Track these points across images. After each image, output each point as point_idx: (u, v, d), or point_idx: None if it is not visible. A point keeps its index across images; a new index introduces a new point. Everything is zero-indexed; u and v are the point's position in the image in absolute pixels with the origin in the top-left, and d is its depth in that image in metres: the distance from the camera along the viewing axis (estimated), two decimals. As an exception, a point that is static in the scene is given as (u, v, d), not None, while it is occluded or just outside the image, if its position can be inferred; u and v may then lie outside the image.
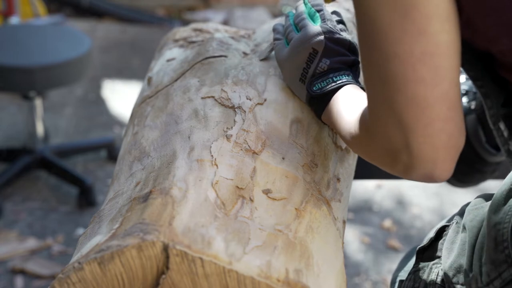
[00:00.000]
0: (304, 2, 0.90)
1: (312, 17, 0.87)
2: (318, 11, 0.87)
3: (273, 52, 0.94)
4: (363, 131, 0.69)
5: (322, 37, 0.83)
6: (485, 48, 0.71)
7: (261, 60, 0.93)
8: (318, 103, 0.82)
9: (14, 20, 3.38)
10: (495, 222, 0.68)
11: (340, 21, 0.89)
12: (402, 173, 0.66)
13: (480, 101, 1.09)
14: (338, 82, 0.80)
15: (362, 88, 0.80)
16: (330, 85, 0.80)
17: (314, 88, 0.82)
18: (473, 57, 0.76)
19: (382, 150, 0.66)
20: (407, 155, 0.63)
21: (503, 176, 1.17)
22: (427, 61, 0.60)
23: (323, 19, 0.85)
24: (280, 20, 1.02)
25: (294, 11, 0.93)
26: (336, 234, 0.76)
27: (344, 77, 0.81)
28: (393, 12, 0.60)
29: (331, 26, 0.84)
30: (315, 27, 0.84)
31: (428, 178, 0.65)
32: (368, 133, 0.68)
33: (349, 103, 0.76)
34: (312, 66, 0.83)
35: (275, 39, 0.91)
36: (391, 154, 0.65)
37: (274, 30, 0.93)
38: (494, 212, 0.69)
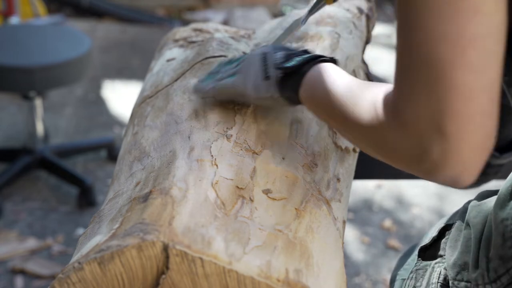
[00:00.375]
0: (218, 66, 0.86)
1: (230, 64, 0.84)
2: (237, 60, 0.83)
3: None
4: (385, 121, 0.61)
5: (261, 49, 0.80)
6: None
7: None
8: (292, 83, 0.75)
9: (14, 20, 3.38)
10: (502, 218, 0.67)
11: (291, 55, 0.80)
12: (426, 172, 0.59)
13: None
14: (307, 57, 0.74)
15: (333, 61, 0.75)
16: (301, 59, 0.74)
17: (286, 65, 0.75)
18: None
19: (409, 145, 0.59)
20: (438, 151, 0.57)
21: (505, 177, 1.17)
22: (478, 45, 0.55)
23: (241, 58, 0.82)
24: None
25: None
26: (336, 234, 0.76)
27: (311, 54, 0.75)
28: None
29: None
30: (249, 53, 0.81)
31: (453, 181, 0.59)
32: (394, 124, 0.60)
33: (339, 82, 0.69)
34: (270, 61, 0.77)
35: (208, 91, 0.85)
36: (418, 148, 0.58)
37: (198, 89, 0.87)
38: (500, 208, 0.68)
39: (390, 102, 0.60)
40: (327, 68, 0.72)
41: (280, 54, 0.77)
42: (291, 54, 0.76)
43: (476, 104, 0.56)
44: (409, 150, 0.59)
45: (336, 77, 0.70)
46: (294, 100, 0.76)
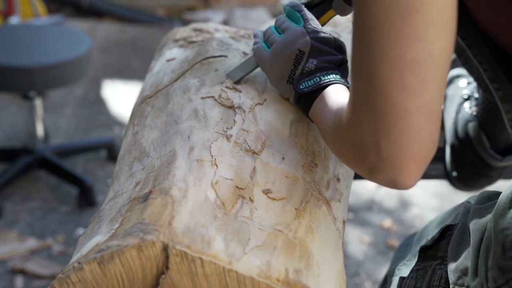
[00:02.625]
0: (284, 8, 0.89)
1: (292, 19, 0.86)
2: (299, 11, 0.86)
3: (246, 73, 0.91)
4: (338, 124, 0.68)
5: (307, 37, 0.82)
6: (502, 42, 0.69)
7: (235, 82, 0.89)
8: (306, 102, 0.81)
9: (14, 20, 3.38)
10: (502, 227, 0.67)
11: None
12: (366, 173, 0.65)
13: (482, 107, 1.08)
14: (325, 81, 0.79)
15: (348, 87, 0.80)
16: (317, 84, 0.79)
17: (301, 87, 0.80)
18: (493, 57, 0.75)
19: (352, 146, 0.65)
20: (375, 156, 0.62)
21: (509, 177, 1.17)
22: (416, 69, 0.58)
23: (305, 19, 0.84)
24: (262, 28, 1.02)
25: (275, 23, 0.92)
26: (336, 234, 0.76)
27: (332, 76, 0.79)
28: (394, 12, 0.58)
29: (314, 26, 0.83)
30: (298, 28, 0.83)
31: (391, 183, 0.64)
32: (343, 127, 0.66)
33: (333, 101, 0.75)
34: (300, 67, 0.82)
35: (254, 44, 0.90)
36: (360, 151, 0.64)
37: (254, 36, 0.92)
38: (500, 216, 0.68)
39: (344, 112, 0.67)
40: (330, 94, 0.77)
41: (312, 63, 0.81)
42: (323, 67, 0.81)
43: (408, 121, 0.60)
44: (353, 154, 0.66)
45: (330, 103, 0.76)
46: (304, 112, 0.83)
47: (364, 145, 0.63)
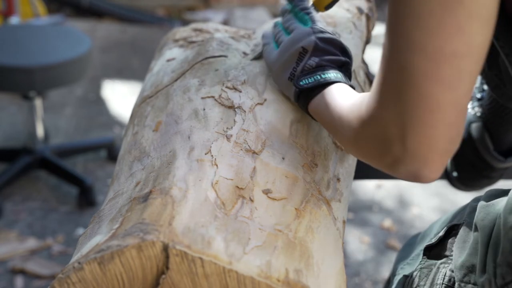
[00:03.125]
0: (292, 10, 0.90)
1: (301, 20, 0.87)
2: (307, 13, 0.87)
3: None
4: (356, 118, 0.66)
5: (312, 36, 0.82)
6: None
7: (252, 59, 0.93)
8: (305, 98, 0.80)
9: (14, 20, 3.38)
10: (511, 224, 0.67)
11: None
12: (388, 166, 0.64)
13: (488, 108, 1.08)
14: (326, 78, 0.78)
15: (351, 86, 0.79)
16: (317, 81, 0.79)
17: (301, 83, 0.80)
18: None
19: (374, 139, 0.63)
20: (400, 149, 0.61)
21: (510, 177, 1.17)
22: (454, 62, 0.56)
23: (313, 21, 0.85)
24: (269, 27, 1.03)
25: (280, 22, 0.93)
26: (336, 234, 0.76)
27: (332, 75, 0.79)
28: (437, 3, 0.55)
29: (321, 27, 0.84)
30: (305, 28, 0.84)
31: (414, 177, 0.63)
32: (366, 120, 0.64)
33: (341, 97, 0.74)
34: (301, 64, 0.82)
35: (264, 45, 0.91)
36: (383, 144, 0.62)
37: (263, 36, 0.93)
38: (510, 213, 0.68)
39: (365, 101, 0.65)
40: (335, 91, 0.76)
41: (314, 60, 0.81)
42: (322, 65, 0.81)
43: (441, 115, 0.58)
44: (374, 147, 0.64)
45: (337, 98, 0.74)
46: (303, 109, 0.82)
47: (388, 137, 0.61)
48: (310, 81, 0.80)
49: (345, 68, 0.82)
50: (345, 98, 0.73)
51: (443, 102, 0.58)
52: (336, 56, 0.82)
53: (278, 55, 0.86)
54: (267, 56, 0.89)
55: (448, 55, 0.56)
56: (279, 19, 0.95)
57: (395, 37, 0.59)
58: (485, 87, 1.09)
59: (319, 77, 0.79)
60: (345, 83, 0.79)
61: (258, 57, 0.94)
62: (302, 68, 0.82)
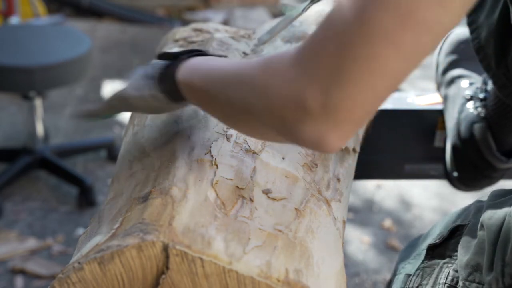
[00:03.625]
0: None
1: None
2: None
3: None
4: (273, 71, 0.58)
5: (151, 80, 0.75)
6: None
7: (260, 44, 0.92)
8: (170, 73, 0.72)
9: (14, 20, 3.38)
10: None
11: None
12: (292, 124, 0.57)
13: (493, 109, 1.08)
14: (187, 50, 0.73)
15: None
16: (174, 57, 0.73)
17: (157, 68, 0.74)
18: None
19: (291, 91, 0.56)
20: (318, 102, 0.54)
21: (511, 177, 1.17)
22: (420, 32, 0.52)
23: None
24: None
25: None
26: (336, 234, 0.76)
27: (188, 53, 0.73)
28: None
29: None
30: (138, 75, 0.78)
31: (317, 140, 0.56)
32: (286, 70, 0.57)
33: (225, 60, 0.67)
34: (153, 64, 0.77)
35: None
36: (298, 95, 0.55)
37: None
38: None
39: (290, 54, 0.58)
40: (211, 57, 0.70)
41: (158, 64, 0.75)
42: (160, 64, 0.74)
43: (377, 82, 0.54)
44: (287, 102, 0.56)
45: (219, 60, 0.67)
46: (175, 93, 0.72)
47: (310, 88, 0.54)
48: (159, 64, 0.73)
49: (186, 55, 0.74)
50: (233, 61, 0.65)
51: (386, 69, 0.53)
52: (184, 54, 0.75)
53: (122, 88, 0.79)
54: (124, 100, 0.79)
55: (419, 22, 0.52)
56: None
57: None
58: (489, 87, 1.09)
59: (170, 61, 0.72)
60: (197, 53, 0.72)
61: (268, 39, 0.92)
62: (156, 64, 0.75)
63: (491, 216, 0.73)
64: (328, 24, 0.55)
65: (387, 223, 2.46)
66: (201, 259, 0.63)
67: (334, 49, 0.54)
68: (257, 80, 0.59)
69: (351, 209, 2.51)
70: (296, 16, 0.93)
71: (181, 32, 1.09)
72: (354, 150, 0.93)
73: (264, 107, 0.59)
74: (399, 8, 0.51)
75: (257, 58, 0.61)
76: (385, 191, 2.68)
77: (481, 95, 1.11)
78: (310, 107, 0.55)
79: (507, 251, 0.68)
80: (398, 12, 0.52)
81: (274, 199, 0.73)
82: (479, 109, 1.09)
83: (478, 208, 0.81)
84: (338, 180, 0.84)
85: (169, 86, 0.72)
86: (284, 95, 0.56)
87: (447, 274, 0.79)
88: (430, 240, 0.86)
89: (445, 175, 1.19)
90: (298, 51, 0.57)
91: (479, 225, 0.76)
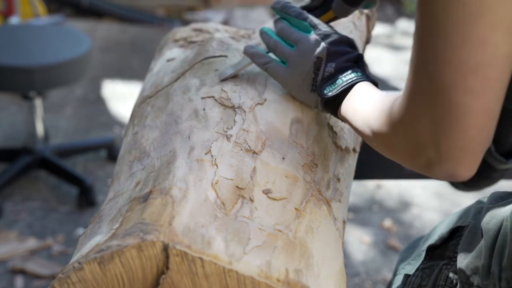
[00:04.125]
0: (285, 18, 0.87)
1: (300, 28, 0.85)
2: (304, 19, 0.85)
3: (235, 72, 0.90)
4: (391, 123, 0.68)
5: (322, 43, 0.81)
6: None
7: (222, 80, 0.89)
8: (333, 105, 0.81)
9: (14, 20, 3.38)
10: None
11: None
12: (423, 168, 0.65)
13: None
14: (348, 81, 0.79)
15: (372, 81, 0.80)
16: (341, 86, 0.79)
17: (325, 91, 0.80)
18: None
19: (408, 143, 0.65)
20: (433, 153, 0.63)
21: (510, 178, 1.17)
22: (480, 72, 0.58)
23: (314, 26, 0.84)
24: (253, 42, 1.00)
25: (267, 27, 0.90)
26: (336, 234, 0.76)
27: (353, 74, 0.80)
28: (459, 17, 0.57)
29: (325, 30, 0.83)
30: (310, 36, 0.83)
31: (449, 176, 0.64)
32: (398, 125, 0.66)
33: (366, 99, 0.75)
34: (320, 73, 0.82)
35: (263, 63, 0.88)
36: (417, 148, 0.64)
37: (254, 55, 0.89)
38: None
39: (396, 107, 0.66)
40: (360, 93, 0.78)
41: (331, 66, 0.81)
42: (342, 68, 0.81)
43: (471, 121, 0.60)
44: (408, 151, 0.66)
45: (364, 100, 0.76)
46: (335, 116, 0.83)
47: (421, 142, 0.63)
48: (333, 87, 0.80)
49: (361, 62, 0.83)
50: (371, 102, 0.74)
51: (472, 109, 0.59)
52: (349, 54, 0.82)
53: (290, 71, 0.84)
54: (277, 74, 0.86)
55: (473, 66, 0.58)
56: (266, 26, 0.93)
57: (422, 48, 0.61)
58: None
59: (340, 81, 0.80)
60: (366, 80, 0.79)
61: (229, 76, 0.90)
62: (321, 77, 0.82)
63: (489, 220, 0.74)
64: (409, 88, 0.64)
65: (387, 223, 2.46)
66: (201, 259, 0.63)
67: (424, 112, 0.62)
68: (383, 139, 0.70)
69: (351, 209, 2.51)
70: (247, 65, 0.91)
71: (181, 32, 1.09)
72: (354, 150, 0.93)
73: (395, 158, 0.70)
74: (451, 60, 0.59)
75: (384, 104, 0.70)
76: (385, 191, 2.68)
77: None
78: (430, 159, 0.63)
79: (504, 256, 0.68)
80: (452, 64, 0.59)
81: (274, 199, 0.73)
82: None
83: (478, 209, 0.81)
84: (338, 180, 0.84)
85: (330, 112, 0.83)
86: (407, 153, 0.66)
87: (446, 276, 0.79)
88: (430, 241, 0.86)
89: None
90: (399, 117, 0.66)
91: (480, 229, 0.76)
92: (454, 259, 0.79)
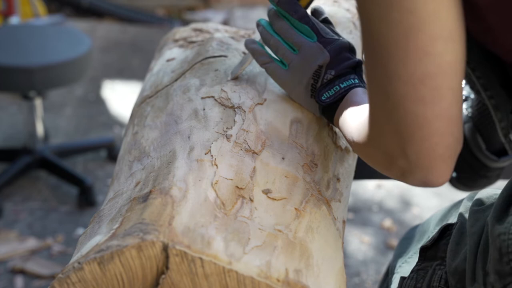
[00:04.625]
0: (287, 19, 0.86)
1: (303, 31, 0.84)
2: (307, 23, 0.84)
3: (246, 70, 0.91)
4: (363, 135, 0.70)
5: (326, 52, 0.82)
6: (505, 57, 0.70)
7: (233, 79, 0.89)
8: (330, 111, 0.82)
9: (14, 20, 3.38)
10: (499, 232, 0.66)
11: (324, 20, 0.89)
12: (398, 177, 0.67)
13: (477, 109, 1.08)
14: (345, 88, 0.81)
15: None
16: (338, 92, 0.81)
17: (323, 98, 0.82)
18: (486, 65, 0.76)
19: (380, 154, 0.67)
20: (404, 162, 0.64)
21: (508, 176, 1.17)
22: (428, 82, 0.60)
23: (316, 32, 0.84)
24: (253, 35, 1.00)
25: (266, 20, 0.89)
26: (336, 234, 0.76)
27: (351, 81, 0.81)
28: (398, 33, 0.59)
29: (327, 36, 0.83)
30: (313, 43, 0.83)
31: (424, 183, 0.66)
32: (368, 139, 0.69)
33: (354, 108, 0.77)
34: (319, 80, 0.83)
35: (263, 62, 0.87)
36: (388, 158, 0.66)
37: (254, 51, 0.88)
38: (497, 221, 0.67)
39: (366, 123, 0.69)
40: (350, 102, 0.79)
41: (330, 73, 0.82)
42: (341, 74, 0.82)
43: (429, 129, 0.61)
44: (382, 162, 0.68)
45: (352, 111, 0.77)
46: (332, 123, 0.84)
47: (390, 154, 0.65)
48: (330, 93, 0.81)
49: (359, 68, 0.84)
50: (355, 112, 0.76)
51: (428, 117, 0.61)
52: (349, 60, 0.83)
53: (291, 76, 0.85)
54: (276, 76, 0.87)
55: (421, 76, 0.60)
56: (263, 19, 0.91)
57: (373, 65, 0.63)
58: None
59: (338, 87, 0.81)
60: (360, 86, 0.81)
61: (240, 73, 0.90)
62: (321, 83, 0.83)
63: (473, 223, 0.75)
64: (369, 104, 0.66)
65: (387, 223, 2.47)
66: (201, 259, 0.63)
67: (385, 126, 0.64)
68: (362, 149, 0.72)
69: (351, 209, 2.51)
70: (249, 62, 0.90)
71: (181, 32, 1.09)
72: (354, 150, 0.93)
73: (374, 167, 0.72)
74: (399, 74, 0.61)
75: (362, 117, 0.72)
76: (385, 191, 2.68)
77: (473, 95, 1.11)
78: (403, 168, 0.65)
79: (487, 260, 0.68)
80: (401, 77, 0.61)
81: (274, 199, 0.73)
82: (468, 110, 1.09)
83: (466, 207, 0.82)
84: (338, 180, 0.84)
85: (327, 117, 0.84)
86: (382, 164, 0.68)
87: (440, 276, 0.79)
88: (424, 238, 0.86)
89: None
90: (368, 132, 0.68)
91: (466, 230, 0.77)
92: (446, 259, 0.80)
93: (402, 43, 0.59)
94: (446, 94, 0.61)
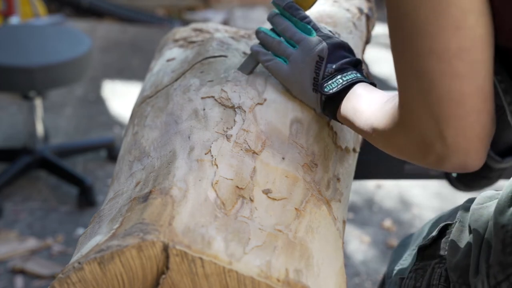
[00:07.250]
0: (289, 19, 0.89)
1: (303, 30, 0.87)
2: (308, 22, 0.87)
3: (258, 68, 0.92)
4: (393, 125, 0.69)
5: (323, 43, 0.83)
6: (506, 44, 0.70)
7: (247, 74, 0.90)
8: (332, 104, 0.82)
9: (14, 20, 3.39)
10: (502, 223, 0.67)
11: (303, 16, 0.90)
12: (434, 164, 0.66)
13: None
14: (348, 80, 0.80)
15: (372, 84, 0.81)
16: (340, 84, 0.81)
17: (326, 89, 0.82)
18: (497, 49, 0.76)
19: (414, 143, 0.66)
20: (441, 147, 0.63)
21: (509, 178, 1.17)
22: (464, 56, 0.60)
23: (316, 29, 0.86)
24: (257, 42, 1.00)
25: (264, 28, 0.92)
26: (336, 234, 0.76)
27: (353, 75, 0.81)
28: (430, 8, 0.59)
29: (327, 33, 0.85)
30: (312, 37, 0.85)
31: (462, 167, 0.65)
32: (400, 127, 0.67)
33: (367, 99, 0.76)
34: (321, 73, 0.83)
35: (265, 61, 0.89)
36: (424, 146, 0.65)
37: (259, 53, 0.90)
38: (500, 214, 0.68)
39: (396, 110, 0.67)
40: (360, 92, 0.79)
41: (331, 67, 0.82)
42: (342, 68, 0.82)
43: (467, 106, 0.61)
44: (416, 150, 0.66)
45: (364, 101, 0.76)
46: (333, 118, 0.84)
47: (427, 140, 0.64)
48: (333, 86, 0.81)
49: (359, 67, 0.84)
50: (372, 102, 0.75)
51: (465, 93, 0.61)
52: (348, 58, 0.83)
53: (291, 69, 0.86)
54: (278, 72, 0.88)
55: (456, 51, 0.60)
56: (262, 27, 0.93)
57: (402, 46, 0.63)
58: None
59: (341, 80, 0.81)
60: (365, 81, 0.81)
61: (252, 69, 0.91)
62: (322, 76, 0.83)
63: (477, 218, 0.75)
64: (400, 88, 0.65)
65: (387, 223, 2.47)
66: (201, 259, 0.63)
67: (421, 108, 0.63)
68: (388, 140, 0.71)
69: (351, 209, 2.51)
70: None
71: (181, 32, 1.09)
72: (354, 150, 0.93)
73: (403, 157, 0.70)
74: (433, 50, 0.61)
75: (384, 105, 0.71)
76: (385, 191, 2.68)
77: None
78: (439, 154, 0.64)
79: (491, 253, 0.69)
80: (435, 54, 0.61)
81: (274, 199, 0.73)
82: None
83: (466, 207, 0.82)
84: (338, 180, 0.84)
85: (329, 112, 0.83)
86: (415, 153, 0.67)
87: (439, 274, 0.79)
88: (420, 241, 0.87)
89: (445, 175, 1.19)
90: (400, 118, 0.66)
91: (467, 228, 0.77)
92: (445, 257, 0.80)
93: (435, 18, 0.59)
94: (481, 68, 0.61)
